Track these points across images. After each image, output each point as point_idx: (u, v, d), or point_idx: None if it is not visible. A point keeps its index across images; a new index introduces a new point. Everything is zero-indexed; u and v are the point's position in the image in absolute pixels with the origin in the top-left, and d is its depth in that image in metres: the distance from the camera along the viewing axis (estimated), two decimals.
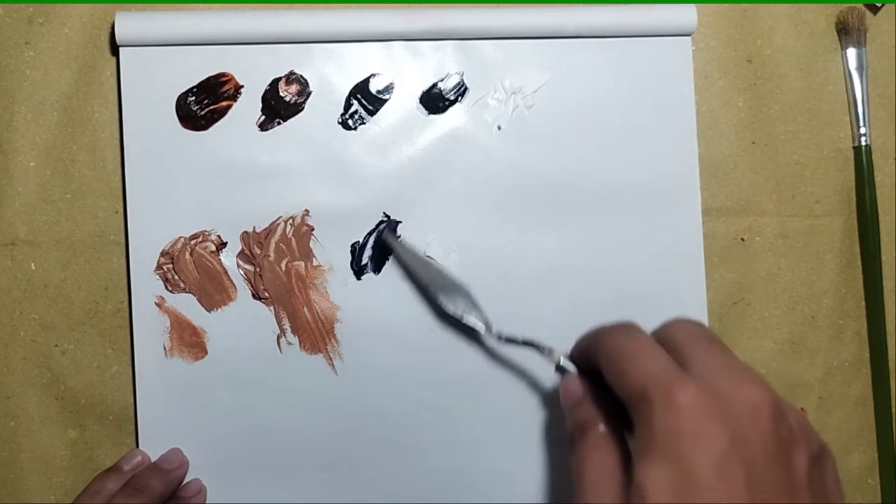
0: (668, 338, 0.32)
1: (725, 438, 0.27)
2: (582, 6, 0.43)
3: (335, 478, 0.42)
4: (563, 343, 0.43)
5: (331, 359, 0.42)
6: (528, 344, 0.39)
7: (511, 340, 0.40)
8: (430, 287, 0.41)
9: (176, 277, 0.42)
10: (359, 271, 0.42)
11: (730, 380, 0.29)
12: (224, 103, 0.42)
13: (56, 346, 0.43)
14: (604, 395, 0.34)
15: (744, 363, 0.30)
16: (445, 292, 0.40)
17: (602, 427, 0.32)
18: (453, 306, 0.40)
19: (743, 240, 0.45)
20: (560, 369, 0.37)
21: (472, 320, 0.40)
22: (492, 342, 0.42)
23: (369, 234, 0.43)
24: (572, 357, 0.38)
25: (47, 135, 0.43)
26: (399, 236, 0.42)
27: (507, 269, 0.43)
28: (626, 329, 0.33)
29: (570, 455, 0.33)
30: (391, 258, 0.42)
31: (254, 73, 0.42)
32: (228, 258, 0.42)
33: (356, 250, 0.43)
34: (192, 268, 0.42)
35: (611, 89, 0.44)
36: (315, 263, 0.43)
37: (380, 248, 0.42)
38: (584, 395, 0.34)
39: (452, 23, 0.42)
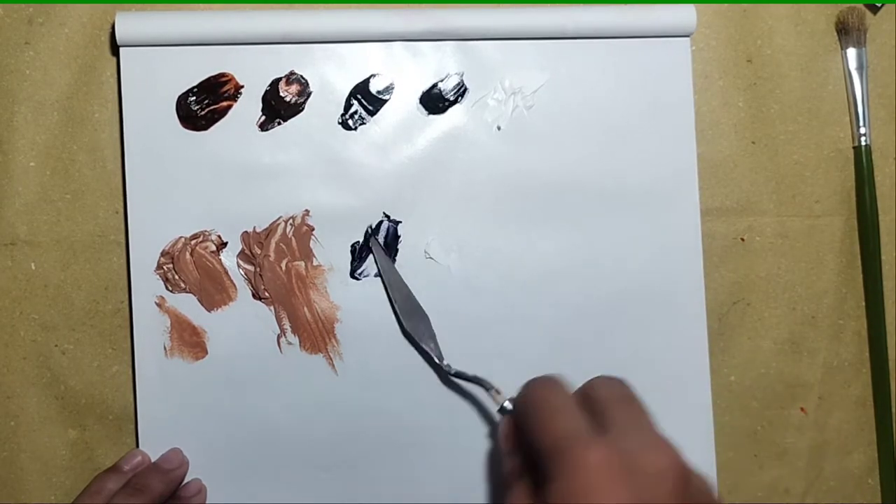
0: (590, 395, 0.33)
1: (628, 499, 0.28)
2: (582, 6, 0.43)
3: (335, 478, 0.42)
4: (560, 344, 0.43)
5: (331, 359, 0.42)
6: (476, 381, 0.40)
7: (460, 376, 0.41)
8: (396, 309, 0.42)
9: (176, 277, 0.42)
10: (352, 273, 0.42)
11: (641, 443, 0.30)
12: (224, 103, 0.42)
13: (56, 346, 0.43)
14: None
15: (657, 427, 0.31)
16: (409, 316, 0.42)
17: (527, 479, 0.33)
18: (414, 331, 0.41)
19: (743, 240, 0.45)
20: (503, 410, 0.38)
21: (428, 347, 0.41)
22: (443, 374, 0.42)
23: (366, 237, 0.43)
24: (514, 401, 0.38)
25: (47, 135, 0.43)
26: (399, 240, 0.43)
27: (507, 269, 0.43)
28: (551, 384, 0.34)
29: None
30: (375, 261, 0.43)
31: (254, 73, 0.42)
32: (228, 258, 0.42)
33: (356, 250, 0.43)
34: (192, 268, 0.42)
35: (611, 89, 0.44)
36: (315, 263, 0.43)
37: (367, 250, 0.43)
38: (515, 443, 0.35)
39: (452, 23, 0.42)
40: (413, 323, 0.42)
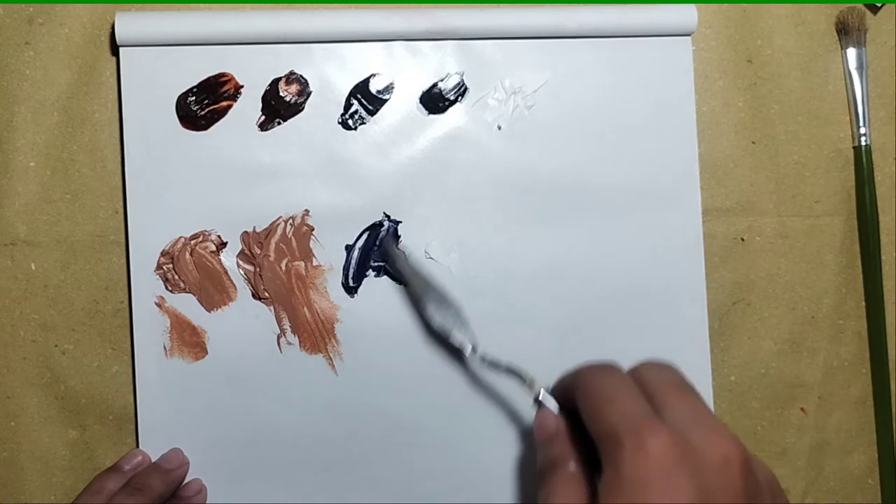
0: (643, 381, 0.32)
1: (692, 489, 0.27)
2: (582, 6, 0.43)
3: (335, 478, 0.42)
4: (561, 345, 0.43)
5: (331, 359, 0.42)
6: (510, 371, 0.39)
7: (494, 365, 0.39)
8: (420, 300, 0.41)
9: (176, 277, 0.42)
10: (352, 284, 0.42)
11: (702, 430, 0.29)
12: (224, 103, 0.42)
13: (56, 346, 0.43)
14: (577, 433, 0.34)
15: (714, 415, 0.30)
16: (436, 307, 0.40)
17: (573, 465, 0.32)
18: (441, 322, 0.40)
19: (743, 240, 0.45)
20: (538, 402, 0.36)
21: (457, 338, 0.40)
22: (475, 364, 0.41)
23: (362, 234, 0.43)
24: (553, 391, 0.37)
25: (47, 135, 0.43)
26: (399, 242, 0.43)
27: (507, 269, 0.43)
28: (607, 370, 0.33)
29: (537, 489, 0.33)
30: (387, 265, 0.42)
31: (254, 73, 0.42)
32: (228, 258, 0.42)
33: (349, 253, 0.43)
34: (192, 268, 0.42)
35: (611, 89, 0.44)
36: (315, 263, 0.43)
37: (381, 255, 0.42)
38: (557, 431, 0.34)
39: (452, 23, 0.42)
40: (441, 314, 0.40)
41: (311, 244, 0.42)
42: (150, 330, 0.42)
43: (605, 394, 0.31)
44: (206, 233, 0.42)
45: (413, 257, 0.42)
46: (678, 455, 0.27)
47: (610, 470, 0.28)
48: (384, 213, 0.43)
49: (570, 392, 0.34)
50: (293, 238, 0.42)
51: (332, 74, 0.43)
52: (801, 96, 0.46)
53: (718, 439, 0.28)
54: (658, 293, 0.44)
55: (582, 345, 0.43)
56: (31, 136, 0.43)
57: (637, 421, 0.29)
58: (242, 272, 0.42)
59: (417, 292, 0.41)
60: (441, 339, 0.42)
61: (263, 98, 0.42)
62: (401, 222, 0.43)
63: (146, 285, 0.42)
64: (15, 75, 0.43)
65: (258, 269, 0.42)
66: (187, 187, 0.42)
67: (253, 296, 0.42)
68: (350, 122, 0.43)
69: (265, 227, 0.42)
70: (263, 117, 0.42)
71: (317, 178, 0.43)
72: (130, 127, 0.42)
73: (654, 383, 0.31)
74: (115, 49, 0.42)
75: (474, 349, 0.40)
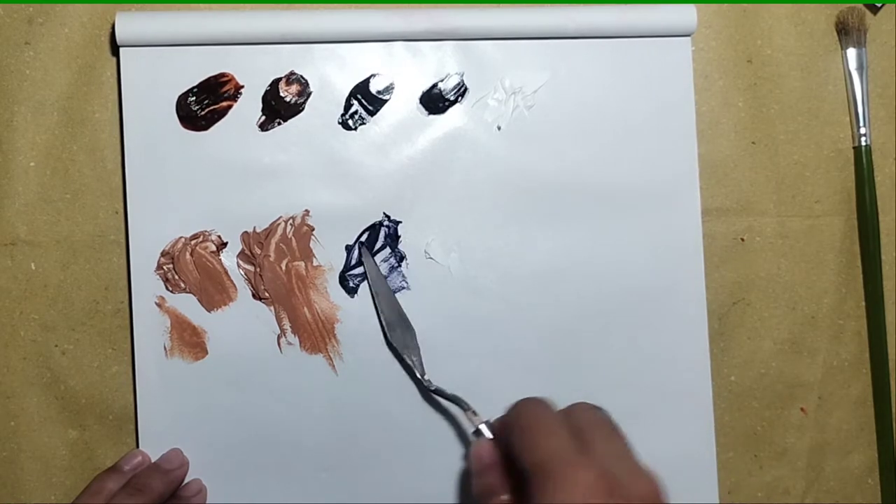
0: (575, 420, 0.33)
1: None
2: (582, 6, 0.43)
3: (335, 478, 0.42)
4: (560, 344, 0.43)
5: (331, 359, 0.42)
6: (454, 401, 0.40)
7: (440, 393, 0.41)
8: (382, 318, 0.42)
9: (176, 277, 0.42)
10: (351, 284, 0.43)
11: (626, 469, 0.30)
12: (224, 103, 0.42)
13: (56, 346, 0.43)
14: (512, 466, 0.35)
15: (637, 456, 0.32)
16: (395, 325, 0.42)
17: (505, 497, 0.34)
18: (397, 341, 0.41)
19: (743, 240, 0.45)
20: (478, 432, 0.37)
21: (411, 361, 0.41)
22: (422, 388, 0.42)
23: (362, 234, 0.43)
24: (492, 425, 0.38)
25: (47, 135, 0.43)
26: (399, 242, 0.43)
27: (507, 269, 0.43)
28: (541, 407, 0.34)
29: None
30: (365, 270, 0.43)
31: (254, 73, 0.42)
32: (228, 258, 0.42)
33: (349, 253, 0.43)
34: (192, 268, 0.42)
35: (611, 89, 0.44)
36: (315, 263, 0.43)
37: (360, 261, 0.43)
38: (493, 461, 0.35)
39: (452, 23, 0.42)
40: (398, 335, 0.42)
41: (311, 244, 0.42)
42: (150, 330, 0.42)
43: (538, 429, 0.32)
44: (206, 233, 0.42)
45: (378, 274, 0.42)
46: (604, 489, 0.29)
47: (539, 499, 0.29)
48: (384, 213, 0.43)
49: (506, 427, 0.35)
50: (293, 238, 0.42)
51: (332, 75, 0.43)
52: (801, 96, 0.46)
53: (641, 478, 0.30)
54: (658, 293, 0.44)
55: (581, 344, 0.43)
56: (31, 136, 0.43)
57: (567, 456, 0.30)
58: (242, 272, 0.42)
59: (380, 308, 0.42)
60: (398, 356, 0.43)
61: (263, 98, 0.42)
62: (401, 222, 0.43)
63: (146, 285, 0.42)
64: (15, 75, 0.43)
65: (258, 269, 0.42)
66: (187, 187, 0.42)
67: (253, 296, 0.42)
68: (350, 122, 0.43)
69: (265, 227, 0.42)
70: (263, 117, 0.42)
71: (317, 178, 0.43)
72: (130, 127, 0.42)
73: (585, 423, 0.33)
74: (115, 49, 0.42)
75: (422, 376, 0.41)
